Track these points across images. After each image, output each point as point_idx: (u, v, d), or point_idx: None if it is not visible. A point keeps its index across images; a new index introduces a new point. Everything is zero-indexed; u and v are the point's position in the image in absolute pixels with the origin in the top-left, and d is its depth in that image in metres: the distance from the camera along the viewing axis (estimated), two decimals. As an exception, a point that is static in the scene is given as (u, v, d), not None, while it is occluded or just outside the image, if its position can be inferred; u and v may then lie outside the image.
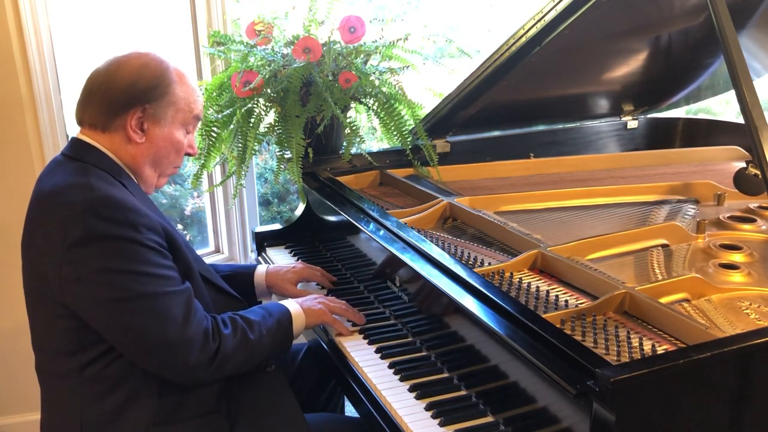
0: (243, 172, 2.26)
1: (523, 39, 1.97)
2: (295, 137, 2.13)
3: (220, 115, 2.21)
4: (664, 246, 1.75)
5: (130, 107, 1.47)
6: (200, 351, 1.41)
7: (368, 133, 2.86)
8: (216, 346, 1.44)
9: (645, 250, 1.72)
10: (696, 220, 1.84)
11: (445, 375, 1.51)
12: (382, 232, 1.78)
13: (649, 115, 2.79)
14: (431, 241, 1.69)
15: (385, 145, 2.49)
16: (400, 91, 2.26)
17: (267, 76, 2.15)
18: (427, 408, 1.40)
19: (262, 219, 3.28)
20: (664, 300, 1.43)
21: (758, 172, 1.62)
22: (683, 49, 2.29)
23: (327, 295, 1.93)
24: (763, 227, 1.85)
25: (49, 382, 1.50)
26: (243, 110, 2.22)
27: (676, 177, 2.28)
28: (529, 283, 1.57)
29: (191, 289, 1.46)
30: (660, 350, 1.26)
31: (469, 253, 1.74)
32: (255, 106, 2.23)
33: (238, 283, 1.87)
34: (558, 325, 1.31)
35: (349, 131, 2.26)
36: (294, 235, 2.31)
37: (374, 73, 2.25)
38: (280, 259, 2.21)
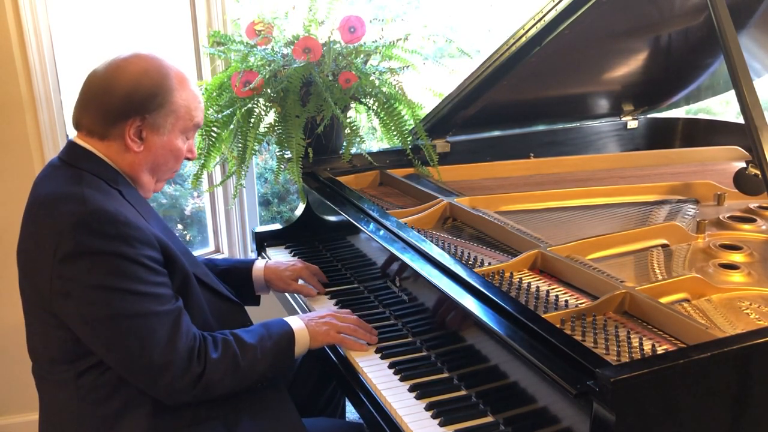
0: (243, 172, 2.26)
1: (523, 39, 1.97)
2: (295, 137, 2.13)
3: (220, 115, 2.21)
4: (664, 246, 1.75)
5: (128, 117, 1.44)
6: (182, 375, 1.37)
7: (368, 133, 2.86)
8: (200, 370, 1.39)
9: (645, 250, 1.73)
10: (696, 220, 1.84)
11: (445, 375, 1.51)
12: (382, 232, 1.78)
13: (649, 115, 2.79)
14: (431, 241, 1.69)
15: (385, 145, 2.49)
16: (400, 91, 2.26)
17: (267, 76, 2.15)
18: (427, 408, 1.40)
19: (262, 219, 3.28)
20: (664, 300, 1.43)
21: (758, 172, 1.62)
22: (683, 49, 2.29)
23: (327, 294, 1.93)
24: (763, 227, 1.85)
25: (46, 388, 1.49)
26: (243, 110, 2.22)
27: (676, 177, 2.27)
28: (529, 283, 1.57)
29: (181, 308, 1.42)
30: (660, 350, 1.26)
31: (469, 253, 1.74)
32: (255, 106, 2.23)
33: (236, 278, 1.86)
34: (558, 325, 1.31)
35: (349, 131, 2.26)
36: (294, 235, 2.31)
37: (374, 73, 2.25)
38: (280, 259, 2.21)
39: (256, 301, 1.93)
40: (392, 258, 1.71)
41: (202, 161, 2.27)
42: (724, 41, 1.59)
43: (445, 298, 1.48)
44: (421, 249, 1.63)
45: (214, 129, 2.24)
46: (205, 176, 2.55)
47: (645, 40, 2.21)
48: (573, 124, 2.68)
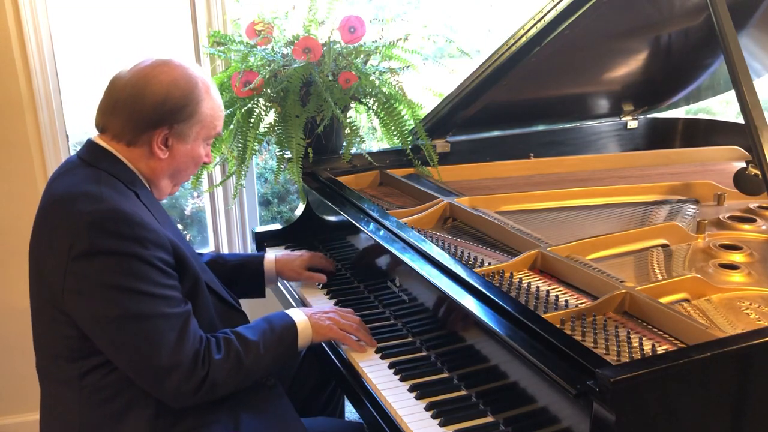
0: (243, 172, 2.26)
1: (523, 39, 1.97)
2: (295, 137, 2.13)
3: (220, 115, 2.21)
4: (664, 246, 1.75)
5: (157, 126, 1.47)
6: (187, 378, 1.38)
7: (368, 133, 2.86)
8: (204, 373, 1.40)
9: (645, 250, 1.73)
10: (696, 220, 1.84)
11: (445, 375, 1.51)
12: (382, 232, 1.78)
13: (649, 115, 2.79)
14: (431, 241, 1.69)
15: (385, 145, 2.49)
16: (400, 91, 2.26)
17: (267, 76, 2.15)
18: (427, 408, 1.40)
19: (262, 219, 3.27)
20: (664, 300, 1.43)
21: (758, 172, 1.62)
22: (683, 49, 2.29)
23: (327, 294, 1.94)
24: (763, 227, 1.85)
25: (49, 385, 1.49)
26: (243, 110, 2.22)
27: (676, 177, 2.27)
28: (529, 283, 1.57)
29: (189, 311, 1.43)
30: (660, 350, 1.26)
31: (469, 253, 1.74)
32: (255, 106, 2.23)
33: (249, 272, 1.92)
34: (558, 325, 1.31)
35: (349, 131, 2.26)
36: (294, 235, 2.31)
37: (374, 73, 2.25)
38: (281, 258, 2.21)
39: (262, 293, 1.98)
40: (392, 258, 1.71)
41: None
42: (724, 41, 1.59)
43: (445, 298, 1.48)
44: (421, 249, 1.63)
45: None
46: (205, 176, 2.55)
47: (645, 40, 2.21)
48: (573, 124, 2.68)
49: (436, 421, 1.36)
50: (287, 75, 2.13)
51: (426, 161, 2.32)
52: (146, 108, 1.46)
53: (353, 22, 2.19)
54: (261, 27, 2.26)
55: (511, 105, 2.39)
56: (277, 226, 2.34)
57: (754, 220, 1.87)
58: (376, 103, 2.26)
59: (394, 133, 2.27)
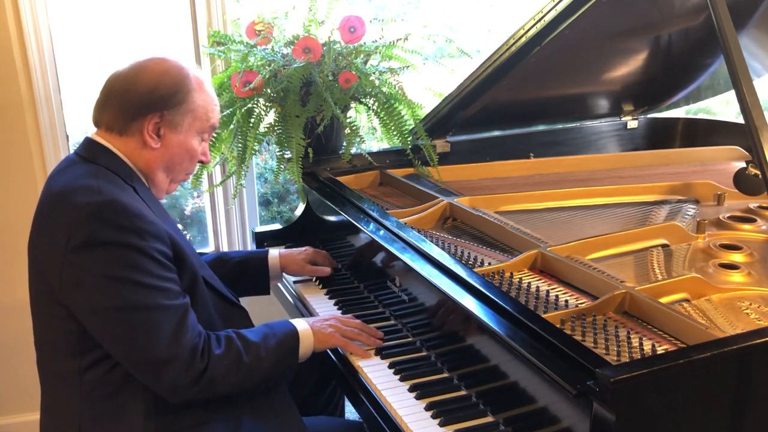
0: (243, 172, 2.26)
1: (523, 39, 1.97)
2: (295, 137, 2.13)
3: (220, 115, 2.21)
4: (664, 246, 1.75)
5: (147, 112, 1.47)
6: (185, 371, 1.37)
7: (368, 133, 2.86)
8: (203, 366, 1.39)
9: (645, 250, 1.73)
10: (696, 220, 1.84)
11: (445, 375, 1.51)
12: (382, 232, 1.78)
13: (649, 115, 2.79)
14: (431, 241, 1.69)
15: (385, 145, 2.49)
16: (400, 91, 2.26)
17: (267, 76, 2.15)
18: (427, 408, 1.40)
19: (262, 219, 3.27)
20: (664, 300, 1.43)
21: (758, 172, 1.62)
22: (683, 49, 2.29)
23: (327, 294, 1.94)
24: (763, 227, 1.85)
25: (49, 381, 1.50)
26: (243, 110, 2.22)
27: (676, 177, 2.28)
28: (529, 283, 1.57)
29: (188, 304, 1.43)
30: (660, 350, 1.26)
31: (469, 253, 1.74)
32: (255, 106, 2.23)
33: (253, 268, 1.93)
34: (558, 325, 1.31)
35: (349, 131, 2.26)
36: (294, 235, 2.31)
37: (374, 73, 2.25)
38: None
39: (267, 290, 1.99)
40: (392, 258, 1.71)
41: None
42: (724, 41, 1.59)
43: (445, 298, 1.48)
44: (421, 249, 1.63)
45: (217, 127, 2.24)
46: (205, 176, 2.55)
47: (645, 40, 2.21)
48: (573, 124, 2.68)
49: (436, 421, 1.36)
50: (287, 75, 2.13)
51: (426, 161, 2.32)
52: (136, 95, 1.47)
53: (353, 22, 2.19)
54: (261, 27, 2.26)
55: (511, 105, 2.39)
56: (277, 226, 2.34)
57: (754, 220, 1.87)
58: (376, 103, 2.26)
59: (394, 133, 2.27)
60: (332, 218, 2.12)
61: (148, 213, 1.41)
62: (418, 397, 1.44)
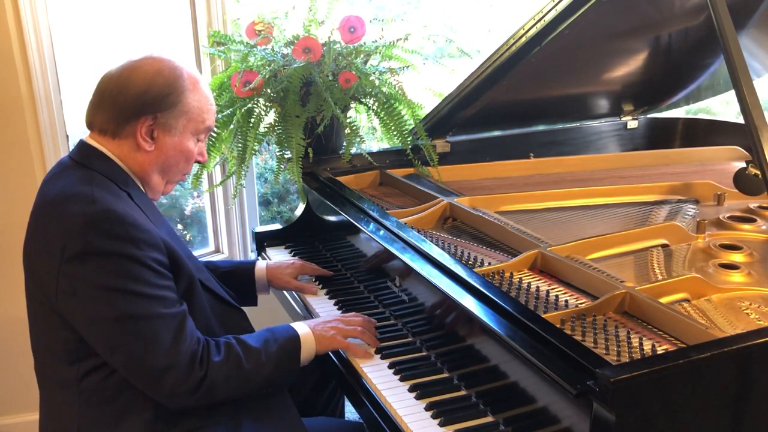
0: (243, 172, 2.26)
1: (523, 39, 1.97)
2: (295, 137, 2.13)
3: (220, 115, 2.21)
4: (664, 246, 1.75)
5: (140, 115, 1.45)
6: (184, 378, 1.36)
7: (368, 133, 2.86)
8: (202, 373, 1.38)
9: (645, 250, 1.73)
10: (696, 220, 1.84)
11: (445, 375, 1.51)
12: (382, 232, 1.78)
13: (649, 115, 2.79)
14: (431, 241, 1.69)
15: (385, 145, 2.49)
16: (400, 91, 2.26)
17: (267, 76, 2.15)
18: (427, 408, 1.40)
19: (262, 219, 3.28)
20: (664, 300, 1.43)
21: (758, 172, 1.62)
22: (683, 49, 2.29)
23: (327, 294, 1.94)
24: (763, 227, 1.85)
25: (48, 388, 1.49)
26: (243, 110, 2.22)
27: (676, 177, 2.28)
28: (529, 283, 1.57)
29: (185, 312, 1.42)
30: (660, 350, 1.26)
31: (469, 253, 1.74)
32: (255, 106, 2.23)
33: (240, 279, 1.89)
34: (558, 325, 1.31)
35: (349, 131, 2.26)
36: (294, 235, 2.31)
37: (374, 73, 2.25)
38: (280, 259, 2.21)
39: (254, 302, 1.94)
40: (392, 258, 1.71)
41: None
42: (724, 41, 1.59)
43: (445, 298, 1.48)
44: (421, 249, 1.63)
45: (215, 129, 2.24)
46: (205, 176, 2.55)
47: (645, 40, 2.21)
48: (573, 124, 2.68)
49: (436, 421, 1.36)
50: (287, 75, 2.13)
51: (426, 161, 2.32)
52: (129, 97, 1.44)
53: (353, 22, 2.19)
54: (261, 27, 2.26)
55: (511, 105, 2.39)
56: (277, 226, 2.34)
57: (754, 220, 1.87)
58: (376, 103, 2.26)
59: (394, 133, 2.27)
60: (332, 218, 2.12)
61: (143, 221, 1.40)
62: (418, 397, 1.44)
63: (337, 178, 2.24)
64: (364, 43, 2.25)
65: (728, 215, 1.91)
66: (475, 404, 1.40)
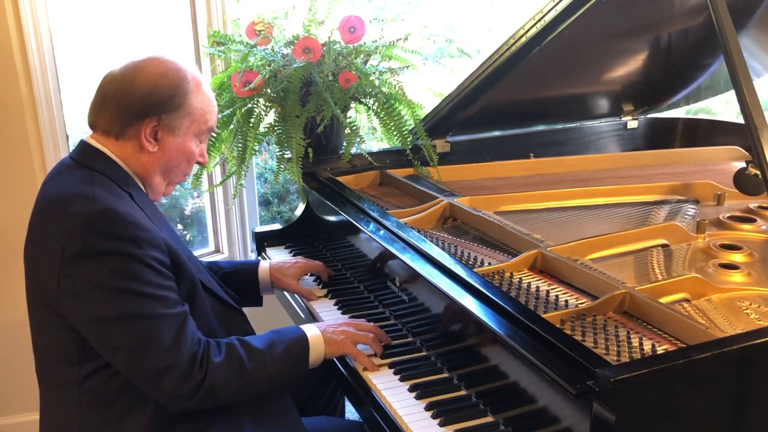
0: (243, 172, 2.26)
1: (523, 39, 1.97)
2: (295, 137, 2.13)
3: (220, 115, 2.21)
4: (664, 246, 1.75)
5: (145, 116, 1.45)
6: (184, 380, 1.35)
7: (368, 133, 2.86)
8: (202, 375, 1.37)
9: (645, 250, 1.72)
10: (696, 220, 1.84)
11: (445, 375, 1.51)
12: (382, 232, 1.78)
13: (649, 115, 2.79)
14: (431, 241, 1.69)
15: (385, 145, 2.49)
16: (400, 91, 2.26)
17: (267, 76, 2.15)
18: (427, 408, 1.40)
19: (262, 219, 3.28)
20: (664, 300, 1.43)
21: (758, 172, 1.62)
22: (683, 49, 2.29)
23: (327, 295, 1.94)
24: (763, 227, 1.85)
25: (48, 389, 1.49)
26: (243, 110, 2.22)
27: (676, 177, 2.28)
28: (529, 283, 1.57)
29: (186, 312, 1.41)
30: (660, 350, 1.26)
31: (469, 253, 1.74)
32: (255, 106, 2.23)
33: (243, 279, 1.88)
34: (558, 325, 1.31)
35: (349, 131, 2.26)
36: (294, 235, 2.31)
37: (374, 73, 2.25)
38: (281, 259, 2.21)
39: (259, 302, 1.94)
40: (392, 258, 1.71)
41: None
42: (724, 41, 1.59)
43: (445, 298, 1.48)
44: (421, 249, 1.63)
45: (215, 129, 2.24)
46: (205, 176, 2.55)
47: (645, 40, 2.21)
48: (573, 124, 2.68)
49: (436, 421, 1.36)
50: (287, 75, 2.13)
51: (426, 161, 2.32)
52: (133, 99, 1.44)
53: (353, 22, 2.19)
54: (261, 27, 2.26)
55: (511, 105, 2.39)
56: (277, 226, 2.34)
57: (754, 220, 1.87)
58: (376, 103, 2.26)
59: (394, 133, 2.27)
60: (332, 218, 2.12)
61: (144, 220, 1.40)
62: (418, 397, 1.44)
63: (337, 178, 2.24)
64: (364, 43, 2.25)
65: (728, 215, 1.91)
66: (475, 404, 1.40)
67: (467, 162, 2.43)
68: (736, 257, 1.64)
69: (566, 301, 1.47)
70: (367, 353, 1.59)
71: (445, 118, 2.33)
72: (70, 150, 1.55)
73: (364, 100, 2.27)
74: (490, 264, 1.65)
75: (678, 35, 2.20)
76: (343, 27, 2.20)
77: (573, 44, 2.00)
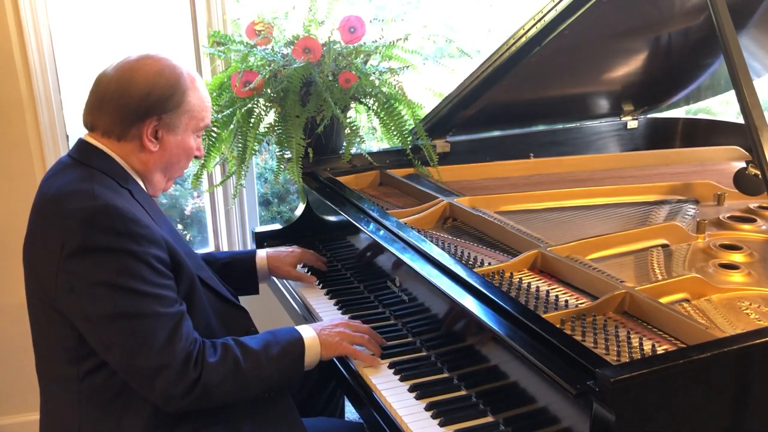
0: (243, 172, 2.26)
1: (523, 39, 1.97)
2: (295, 137, 2.13)
3: (220, 115, 2.21)
4: (664, 246, 1.75)
5: (146, 117, 1.46)
6: (178, 379, 1.35)
7: (368, 133, 2.86)
8: (196, 375, 1.36)
9: (645, 250, 1.72)
10: (696, 220, 1.84)
11: (445, 375, 1.51)
12: (382, 232, 1.78)
13: (649, 115, 2.79)
14: (431, 241, 1.69)
15: (385, 145, 2.49)
16: (400, 91, 2.26)
17: (267, 76, 2.15)
18: (427, 408, 1.40)
19: (262, 219, 3.27)
20: (664, 300, 1.43)
21: (758, 172, 1.62)
22: (683, 49, 2.29)
23: (327, 295, 1.94)
24: (763, 227, 1.85)
25: (48, 386, 1.49)
26: (243, 110, 2.22)
27: (676, 177, 2.27)
28: (529, 283, 1.57)
29: (183, 312, 1.41)
30: (660, 350, 1.26)
31: (469, 253, 1.74)
32: (255, 106, 2.23)
33: (240, 268, 1.90)
34: (558, 325, 1.31)
35: (349, 131, 2.26)
36: (294, 235, 2.31)
37: (374, 73, 2.25)
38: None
39: (256, 290, 1.97)
40: (392, 258, 1.71)
41: (202, 161, 2.27)
42: (724, 41, 1.59)
43: (445, 298, 1.48)
44: (421, 249, 1.63)
45: (214, 129, 2.24)
46: (205, 176, 2.55)
47: (645, 40, 2.21)
48: (573, 124, 2.68)
49: (436, 421, 1.36)
50: (287, 75, 2.13)
51: (426, 161, 2.32)
52: (133, 100, 1.44)
53: (353, 22, 2.19)
54: (261, 27, 2.26)
55: (511, 105, 2.39)
56: (277, 226, 2.34)
57: (754, 220, 1.87)
58: (376, 103, 2.26)
59: (394, 133, 2.27)
60: (332, 218, 2.12)
61: (143, 217, 1.40)
62: (418, 397, 1.44)
63: (337, 178, 2.24)
64: (364, 43, 2.25)
65: (728, 215, 1.91)
66: (475, 404, 1.40)
67: (467, 162, 2.43)
68: (736, 257, 1.64)
69: (566, 301, 1.47)
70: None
71: (445, 118, 2.33)
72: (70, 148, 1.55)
73: (364, 100, 2.27)
74: (490, 264, 1.65)
75: (678, 35, 2.20)
76: (343, 27, 2.20)
77: (573, 44, 2.00)
